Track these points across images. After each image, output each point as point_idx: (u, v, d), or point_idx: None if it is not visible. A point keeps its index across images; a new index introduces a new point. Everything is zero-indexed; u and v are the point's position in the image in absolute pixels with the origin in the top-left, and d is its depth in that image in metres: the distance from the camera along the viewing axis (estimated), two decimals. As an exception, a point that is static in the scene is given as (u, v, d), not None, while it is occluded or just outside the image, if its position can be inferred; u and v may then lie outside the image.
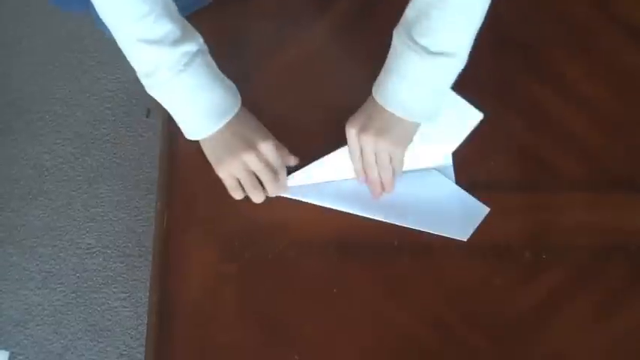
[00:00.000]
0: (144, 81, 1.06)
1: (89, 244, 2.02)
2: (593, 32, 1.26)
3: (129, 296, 1.97)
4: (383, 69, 1.06)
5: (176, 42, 1.02)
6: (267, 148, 1.09)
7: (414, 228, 1.10)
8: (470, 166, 1.13)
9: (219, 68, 1.09)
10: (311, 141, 1.15)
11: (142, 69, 1.05)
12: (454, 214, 1.11)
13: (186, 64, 1.03)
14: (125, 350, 1.90)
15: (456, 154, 1.14)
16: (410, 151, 1.10)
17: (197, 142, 1.11)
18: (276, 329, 1.06)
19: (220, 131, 1.08)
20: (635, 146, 1.16)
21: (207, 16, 1.25)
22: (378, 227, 1.10)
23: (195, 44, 1.04)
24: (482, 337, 1.04)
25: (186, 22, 1.06)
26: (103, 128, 2.13)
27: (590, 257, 1.09)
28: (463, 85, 1.16)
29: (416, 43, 0.99)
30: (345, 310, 1.07)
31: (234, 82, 1.11)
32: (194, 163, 1.14)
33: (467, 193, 1.11)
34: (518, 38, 1.24)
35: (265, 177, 1.10)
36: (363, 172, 1.10)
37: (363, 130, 1.06)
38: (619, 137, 1.17)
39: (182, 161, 1.14)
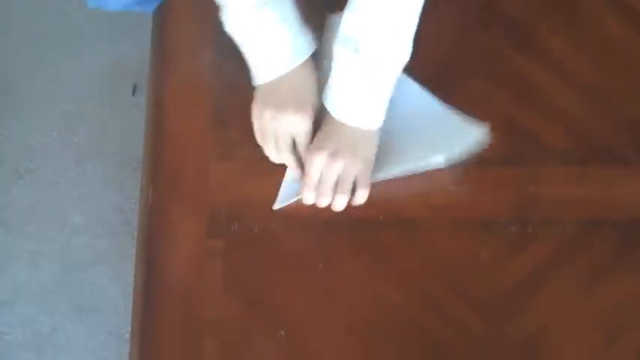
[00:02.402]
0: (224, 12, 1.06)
1: (76, 222, 2.01)
2: (578, 5, 1.25)
3: (117, 275, 1.96)
4: (334, 85, 1.06)
5: None
6: (293, 120, 1.08)
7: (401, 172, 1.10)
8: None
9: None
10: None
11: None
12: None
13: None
14: (114, 329, 1.90)
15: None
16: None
17: (181, 115, 1.11)
18: (262, 304, 1.06)
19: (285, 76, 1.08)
20: (622, 119, 1.16)
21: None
22: (364, 202, 1.09)
23: None
24: (469, 311, 1.05)
25: None
26: (90, 106, 2.11)
27: (577, 231, 1.09)
28: (449, 60, 1.16)
29: (360, 55, 1.01)
30: (331, 285, 1.07)
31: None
32: (180, 137, 1.14)
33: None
34: (504, 12, 1.24)
35: (280, 144, 1.09)
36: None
37: (334, 154, 1.06)
38: (606, 110, 1.16)
39: (168, 135, 1.13)
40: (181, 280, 1.08)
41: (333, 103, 1.06)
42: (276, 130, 1.08)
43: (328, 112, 1.07)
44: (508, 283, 1.06)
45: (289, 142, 1.09)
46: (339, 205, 1.07)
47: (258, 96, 1.09)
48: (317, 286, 1.06)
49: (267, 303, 1.06)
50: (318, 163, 1.06)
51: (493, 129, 1.13)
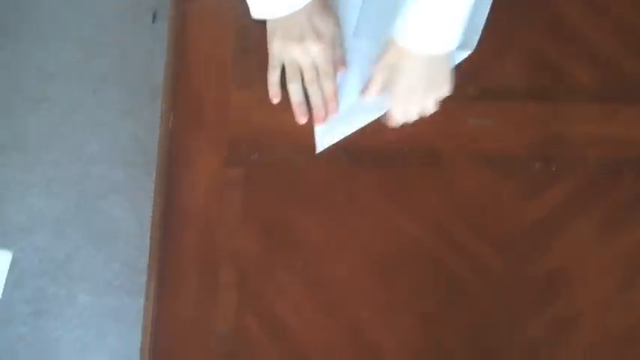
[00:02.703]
0: None
1: (93, 151, 2.01)
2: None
3: (132, 205, 1.97)
4: (410, 20, 0.98)
5: None
6: (315, 50, 1.06)
7: None
8: (481, 72, 1.11)
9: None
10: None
11: None
12: None
13: None
14: (128, 259, 1.91)
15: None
16: None
17: (203, 43, 1.10)
18: (281, 235, 1.06)
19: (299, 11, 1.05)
20: (652, 57, 1.14)
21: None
22: (388, 134, 1.08)
23: None
24: (487, 246, 1.04)
25: None
26: (108, 34, 2.10)
27: (601, 170, 1.07)
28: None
29: None
30: (352, 216, 1.07)
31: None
32: (201, 66, 1.13)
33: None
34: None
35: (307, 76, 1.08)
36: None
37: (416, 101, 1.05)
38: (637, 48, 1.14)
39: (189, 64, 1.12)
40: (200, 209, 1.08)
41: (413, 37, 0.99)
42: (300, 62, 1.07)
43: (397, 49, 1.01)
44: (528, 221, 1.06)
45: (314, 74, 1.07)
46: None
47: (275, 32, 1.07)
48: (337, 218, 1.06)
49: (286, 234, 1.06)
50: (403, 111, 1.06)
51: (519, 62, 1.11)
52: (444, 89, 1.04)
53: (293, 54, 1.07)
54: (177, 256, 1.06)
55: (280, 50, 1.07)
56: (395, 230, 1.05)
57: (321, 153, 1.08)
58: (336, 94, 1.09)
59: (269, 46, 1.08)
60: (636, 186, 1.07)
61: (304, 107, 1.09)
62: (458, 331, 1.03)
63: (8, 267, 1.91)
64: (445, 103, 1.07)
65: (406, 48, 1.00)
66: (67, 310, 1.91)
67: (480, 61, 1.11)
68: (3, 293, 1.90)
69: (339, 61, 1.10)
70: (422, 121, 1.07)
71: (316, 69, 1.08)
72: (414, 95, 1.04)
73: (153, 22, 1.88)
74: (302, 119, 1.09)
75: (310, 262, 1.05)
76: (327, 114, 1.08)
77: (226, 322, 1.04)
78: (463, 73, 1.09)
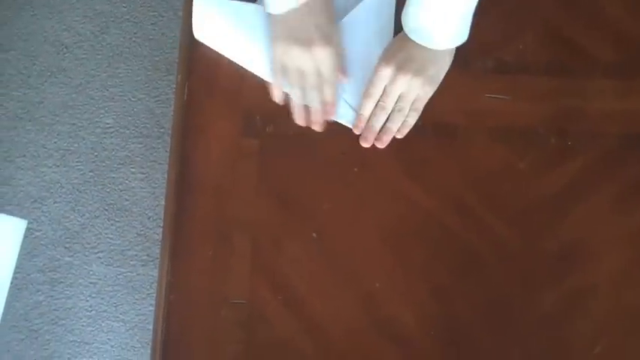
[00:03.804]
0: None
1: (107, 123, 2.01)
2: None
3: (147, 177, 1.97)
4: (415, 7, 1.01)
5: None
6: (322, 56, 1.04)
7: None
8: (497, 47, 1.11)
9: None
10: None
11: None
12: None
13: None
14: (142, 230, 1.92)
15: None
16: None
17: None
18: (294, 206, 1.06)
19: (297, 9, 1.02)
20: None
21: None
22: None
23: None
24: (502, 220, 1.05)
25: None
26: (123, 7, 2.10)
27: (617, 145, 1.07)
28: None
29: None
30: (366, 189, 1.07)
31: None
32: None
33: None
34: None
35: (309, 81, 1.05)
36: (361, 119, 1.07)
37: (400, 69, 1.03)
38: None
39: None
40: (214, 181, 1.08)
41: (415, 26, 1.02)
42: (303, 67, 1.04)
43: (403, 31, 1.04)
44: (544, 195, 1.06)
45: (316, 80, 1.05)
46: (392, 128, 1.06)
47: (279, 31, 1.05)
48: (351, 189, 1.06)
49: (300, 205, 1.06)
50: (384, 75, 1.04)
51: (536, 37, 1.11)
52: (428, 86, 1.05)
53: (298, 59, 1.04)
54: (191, 227, 1.06)
55: (283, 54, 1.05)
56: (410, 203, 1.06)
57: (336, 126, 1.08)
58: (335, 101, 1.07)
59: (273, 49, 1.06)
60: (652, 162, 1.07)
61: (304, 111, 1.08)
62: (473, 304, 1.04)
63: (23, 236, 1.93)
64: (462, 78, 1.07)
65: (411, 40, 1.01)
66: (81, 279, 1.93)
67: (498, 36, 1.11)
68: (18, 262, 1.91)
69: (341, 70, 1.08)
70: (439, 96, 1.07)
71: (320, 75, 1.05)
72: (396, 68, 1.03)
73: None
74: (300, 121, 1.08)
75: (324, 233, 1.05)
76: (324, 117, 1.08)
77: (239, 292, 1.04)
78: (480, 47, 1.09)
